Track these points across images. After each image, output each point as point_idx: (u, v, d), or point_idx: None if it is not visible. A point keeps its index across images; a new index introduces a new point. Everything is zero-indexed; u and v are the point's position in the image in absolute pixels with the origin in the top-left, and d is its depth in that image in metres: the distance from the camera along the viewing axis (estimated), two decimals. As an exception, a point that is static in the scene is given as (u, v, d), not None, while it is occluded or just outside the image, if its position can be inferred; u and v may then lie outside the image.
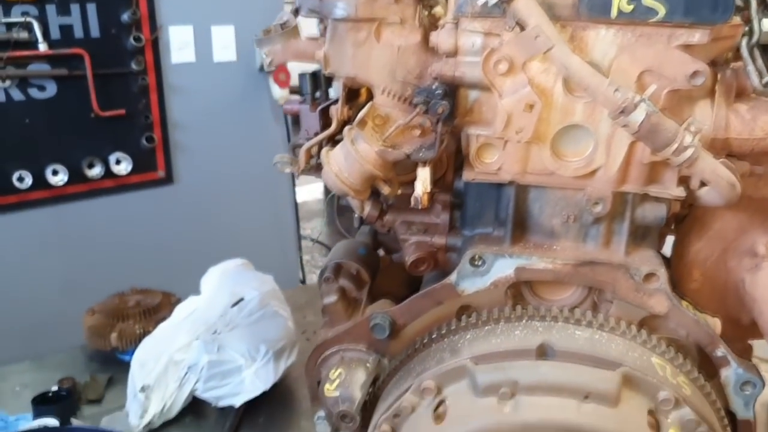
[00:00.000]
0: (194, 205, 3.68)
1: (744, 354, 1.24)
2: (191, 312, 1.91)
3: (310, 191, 6.35)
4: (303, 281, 4.13)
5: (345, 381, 1.15)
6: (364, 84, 1.10)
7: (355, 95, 1.22)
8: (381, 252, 1.43)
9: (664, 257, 1.22)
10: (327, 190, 6.76)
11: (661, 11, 0.91)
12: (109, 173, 3.41)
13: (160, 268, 3.12)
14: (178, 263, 3.23)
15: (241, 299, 1.91)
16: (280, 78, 3.67)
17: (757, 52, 0.97)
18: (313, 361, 1.22)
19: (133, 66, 3.40)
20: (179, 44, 3.59)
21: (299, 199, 4.08)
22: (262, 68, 3.72)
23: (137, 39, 3.29)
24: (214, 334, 1.81)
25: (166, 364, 1.74)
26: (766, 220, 1.17)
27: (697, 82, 0.95)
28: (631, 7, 0.92)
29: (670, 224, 1.24)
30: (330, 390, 1.16)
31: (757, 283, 1.16)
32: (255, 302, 1.90)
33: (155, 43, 3.47)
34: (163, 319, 1.94)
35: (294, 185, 4.03)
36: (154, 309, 2.06)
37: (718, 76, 1.01)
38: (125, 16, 3.23)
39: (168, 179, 3.67)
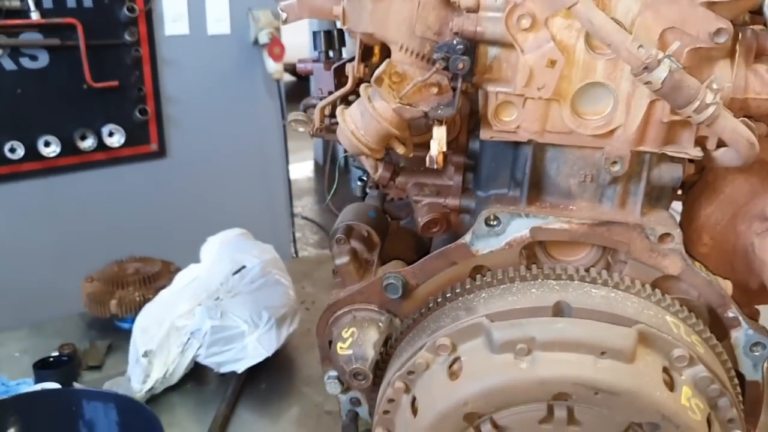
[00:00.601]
0: (187, 179, 3.66)
1: (753, 318, 1.26)
2: (192, 279, 1.90)
3: (300, 169, 6.32)
4: (296, 257, 4.13)
5: (358, 340, 1.15)
6: (382, 40, 1.08)
7: (369, 54, 1.21)
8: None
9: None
10: (317, 168, 6.72)
11: (687, -33, 0.91)
12: (101, 145, 3.37)
13: (153, 240, 3.10)
14: (170, 236, 3.21)
15: (243, 267, 1.90)
16: (274, 52, 3.64)
17: (782, 12, 0.97)
18: (325, 320, 1.22)
19: (127, 37, 3.35)
20: (173, 16, 3.54)
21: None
22: (256, 42, 3.69)
23: (131, 9, 3.24)
24: (217, 301, 1.80)
25: (168, 330, 1.73)
26: (777, 184, 1.18)
27: (720, 39, 0.95)
28: (657, -38, 0.91)
29: (677, 190, 1.25)
30: (343, 348, 1.16)
31: (766, 248, 1.17)
32: (257, 270, 1.89)
33: (149, 15, 3.43)
34: (163, 287, 1.93)
35: (287, 160, 4.02)
36: (154, 277, 2.04)
37: (739, 36, 1.01)
38: (118, -14, 3.19)
39: (161, 152, 3.64)
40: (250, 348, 1.74)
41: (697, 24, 0.95)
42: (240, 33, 3.67)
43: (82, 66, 3.18)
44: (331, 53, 1.26)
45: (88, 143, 3.32)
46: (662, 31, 0.96)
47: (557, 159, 1.09)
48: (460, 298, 1.11)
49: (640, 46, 0.93)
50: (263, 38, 3.63)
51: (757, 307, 1.28)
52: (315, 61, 1.25)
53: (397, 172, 1.24)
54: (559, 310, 1.02)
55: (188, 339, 1.73)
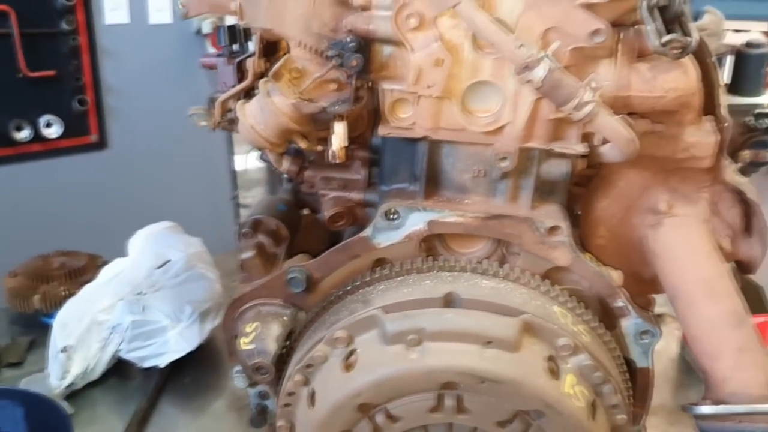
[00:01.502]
0: (128, 170, 3.61)
1: (646, 307, 1.31)
2: (116, 274, 1.89)
3: (250, 159, 6.27)
4: (240, 249, 4.10)
5: (260, 334, 1.16)
6: (280, 37, 1.10)
7: (274, 49, 1.22)
8: (306, 211, 1.45)
9: (574, 214, 1.28)
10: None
11: (564, -30, 0.94)
12: (38, 137, 3.31)
13: (93, 233, 3.06)
14: (111, 229, 3.15)
15: (167, 261, 1.90)
16: (217, 42, 3.61)
17: (656, 13, 1.01)
18: (230, 316, 1.23)
19: (64, 26, 3.29)
20: (113, 4, 3.49)
21: (239, 167, 4.04)
22: (198, 31, 3.65)
23: (68, -3, 3.19)
24: (139, 295, 1.79)
25: (89, 325, 1.72)
26: (667, 178, 1.22)
27: (598, 39, 0.98)
28: (536, -36, 0.94)
29: (581, 183, 1.29)
30: (246, 343, 1.17)
31: (658, 239, 1.22)
32: (181, 264, 1.89)
33: (87, 3, 3.37)
34: (89, 281, 1.91)
35: (232, 151, 3.99)
36: (79, 271, 2.02)
37: (621, 35, 1.05)
38: (54, -27, 3.13)
39: (101, 144, 3.59)
40: (173, 342, 1.74)
41: (576, 24, 0.98)
42: (182, 22, 3.64)
43: (16, 54, 3.11)
44: (235, 47, 1.27)
45: (24, 134, 3.26)
46: (544, 30, 0.99)
47: (452, 155, 1.12)
48: (358, 291, 1.13)
49: (521, 45, 0.96)
50: (206, 28, 3.60)
51: (652, 296, 1.33)
52: (218, 55, 1.25)
53: (305, 165, 1.26)
54: (449, 301, 1.05)
55: (109, 334, 1.72)
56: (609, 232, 1.27)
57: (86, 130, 3.50)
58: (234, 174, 4.04)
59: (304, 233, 1.37)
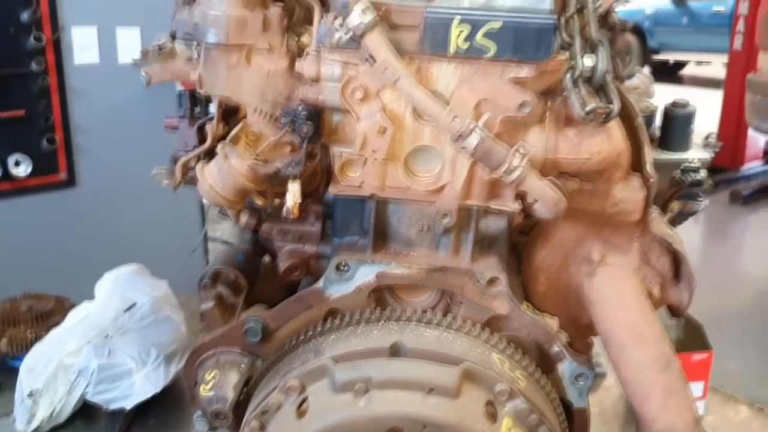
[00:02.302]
0: (98, 208, 3.63)
1: (585, 350, 1.40)
2: (84, 317, 1.93)
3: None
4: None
5: (219, 382, 1.22)
6: (237, 104, 1.18)
7: (233, 112, 1.30)
8: (267, 258, 1.51)
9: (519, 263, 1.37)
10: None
11: (493, 49, 1.04)
12: (6, 175, 3.33)
13: (61, 273, 3.08)
14: (79, 268, 3.18)
15: (134, 304, 1.95)
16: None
17: (580, 84, 1.11)
18: (191, 364, 1.29)
19: (34, 66, 3.33)
20: (82, 45, 3.54)
21: (208, 202, 4.07)
22: (168, 72, 3.71)
23: (38, 39, 3.23)
24: (106, 338, 1.84)
25: (55, 369, 1.76)
26: (600, 230, 1.32)
27: (524, 110, 1.08)
28: (467, 45, 1.04)
29: (526, 232, 1.39)
30: (205, 390, 1.23)
31: (593, 287, 1.31)
32: (147, 307, 1.94)
33: (57, 44, 3.42)
34: (56, 324, 1.95)
35: (201, 188, 4.03)
36: (47, 314, 2.06)
37: (549, 104, 1.15)
38: (25, 15, 3.18)
39: (70, 182, 3.61)
40: (138, 385, 1.79)
41: (505, 97, 1.08)
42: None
43: (-16, 95, 3.14)
44: (197, 110, 1.35)
45: (-7, 173, 3.27)
46: (477, 102, 1.08)
47: (398, 212, 1.20)
48: (311, 341, 1.20)
49: (455, 117, 1.05)
50: (175, 68, 3.66)
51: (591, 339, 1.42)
52: (181, 117, 1.33)
53: (263, 219, 1.33)
54: (395, 351, 1.12)
55: (76, 377, 1.76)
56: (549, 280, 1.36)
57: (55, 169, 3.52)
58: (202, 208, 4.08)
59: (264, 281, 1.43)
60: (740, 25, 5.95)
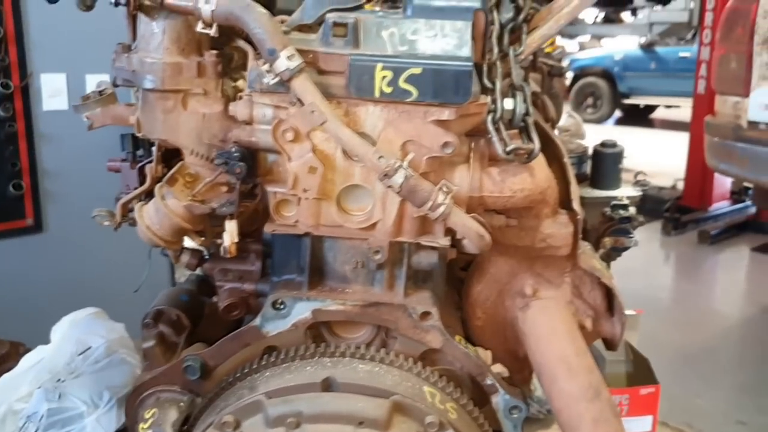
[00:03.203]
0: (64, 253, 3.63)
1: (524, 382, 1.43)
2: (37, 362, 1.92)
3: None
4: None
5: (158, 420, 1.24)
6: (175, 146, 1.22)
7: (175, 153, 1.34)
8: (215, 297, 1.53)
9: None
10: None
11: (415, 93, 1.10)
12: (-29, 221, 3.33)
13: (26, 318, 3.06)
14: (44, 313, 3.16)
15: (88, 348, 1.94)
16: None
17: (501, 126, 1.17)
18: (131, 403, 1.30)
19: (1, 113, 3.37)
20: (51, 91, 3.58)
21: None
22: (137, 118, 3.75)
23: (5, 86, 3.28)
24: (58, 383, 1.83)
25: (4, 414, 1.75)
26: (532, 264, 1.37)
27: (447, 151, 1.13)
28: (391, 89, 1.09)
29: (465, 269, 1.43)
30: (144, 428, 1.24)
31: (526, 320, 1.35)
32: (102, 350, 1.94)
33: (25, 90, 3.46)
34: (10, 369, 1.94)
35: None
36: (1, 359, 2.05)
37: (473, 144, 1.20)
38: (-7, 62, 3.23)
39: (37, 227, 3.61)
40: (90, 428, 1.77)
41: (429, 138, 1.13)
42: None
43: (-52, 142, 3.16)
44: (140, 152, 1.39)
45: (-43, 219, 3.27)
46: (403, 143, 1.13)
47: (333, 248, 1.24)
48: (247, 378, 1.22)
49: (381, 157, 1.10)
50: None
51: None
52: (123, 160, 1.37)
53: (204, 258, 1.36)
54: (327, 386, 1.14)
55: (24, 423, 1.75)
56: (485, 314, 1.40)
57: (21, 214, 3.53)
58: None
59: (208, 321, 1.46)
60: (703, 70, 6.15)
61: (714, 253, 5.76)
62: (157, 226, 1.19)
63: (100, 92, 1.25)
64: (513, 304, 1.38)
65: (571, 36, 11.83)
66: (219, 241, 1.27)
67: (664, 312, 4.46)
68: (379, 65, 1.08)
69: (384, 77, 1.09)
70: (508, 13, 1.27)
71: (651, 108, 11.61)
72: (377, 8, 1.18)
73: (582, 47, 12.40)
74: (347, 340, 1.28)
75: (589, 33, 11.44)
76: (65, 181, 3.65)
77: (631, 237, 1.47)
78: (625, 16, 9.96)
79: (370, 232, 1.20)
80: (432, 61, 1.09)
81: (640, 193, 1.49)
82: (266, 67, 1.08)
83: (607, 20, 10.09)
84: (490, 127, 1.16)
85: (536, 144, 1.18)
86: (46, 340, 2.16)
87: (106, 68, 3.93)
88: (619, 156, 1.49)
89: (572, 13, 1.26)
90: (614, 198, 1.46)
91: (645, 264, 5.16)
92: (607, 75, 10.82)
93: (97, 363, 1.92)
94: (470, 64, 1.09)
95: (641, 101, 11.16)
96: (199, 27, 1.09)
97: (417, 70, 1.09)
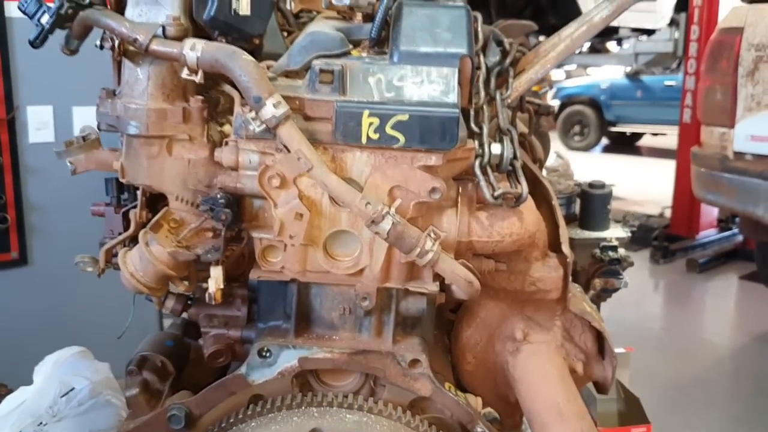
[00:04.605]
0: (49, 287, 3.58)
1: (515, 427, 1.41)
2: (19, 404, 1.88)
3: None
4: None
5: (141, 471, 1.20)
6: (159, 192, 1.20)
7: (160, 198, 1.32)
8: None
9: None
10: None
11: (402, 139, 1.09)
12: (-45, 255, 3.28)
13: (8, 356, 3.01)
14: (27, 351, 3.11)
15: (72, 389, 1.90)
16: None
17: (488, 170, 1.16)
18: (113, 453, 1.26)
19: (-14, 146, 3.34)
20: (38, 124, 3.56)
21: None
22: (125, 150, 3.73)
23: (-9, 119, 3.25)
24: (40, 426, 1.79)
25: (-17, 461, 1.70)
26: (522, 308, 1.35)
27: (435, 196, 1.12)
28: (377, 135, 1.09)
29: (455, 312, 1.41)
30: (127, 480, 1.20)
31: (517, 365, 1.33)
32: (86, 392, 1.90)
33: (11, 123, 3.44)
34: (-10, 412, 1.89)
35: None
36: (-19, 402, 2.00)
37: (461, 189, 1.19)
38: (-22, 96, 3.20)
39: (22, 261, 3.56)
40: (71, 475, 1.73)
41: (417, 183, 1.12)
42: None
43: (-67, 176, 3.12)
44: (125, 196, 1.37)
45: (-60, 254, 3.22)
46: (390, 188, 1.12)
47: (320, 294, 1.22)
48: (233, 428, 1.19)
49: (368, 203, 1.09)
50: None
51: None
52: (107, 204, 1.35)
53: (189, 304, 1.34)
54: (314, 437, 1.12)
55: (4, 469, 1.70)
56: (476, 359, 1.38)
57: (6, 248, 3.49)
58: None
59: (194, 365, 1.43)
60: (688, 99, 6.23)
61: (703, 281, 5.77)
62: (141, 273, 1.17)
63: (84, 137, 1.24)
64: (503, 349, 1.36)
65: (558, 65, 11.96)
66: (204, 285, 1.25)
67: (655, 342, 4.45)
68: (366, 112, 1.08)
69: (371, 124, 1.08)
70: (494, 57, 1.28)
71: (637, 136, 11.72)
72: (364, 54, 1.17)
73: (569, 75, 12.53)
74: (335, 388, 1.26)
75: (575, 63, 11.57)
76: (51, 214, 3.61)
77: (621, 278, 1.46)
78: (611, 45, 10.10)
79: (358, 278, 1.18)
80: (418, 108, 1.08)
81: (629, 234, 1.48)
82: (252, 114, 1.07)
83: (593, 50, 10.21)
84: (478, 171, 1.15)
85: (524, 188, 1.18)
86: (28, 380, 2.12)
87: (93, 101, 3.92)
88: (607, 197, 1.48)
89: (558, 57, 1.27)
90: (603, 239, 1.45)
91: (635, 293, 5.16)
92: (593, 103, 10.93)
93: (80, 405, 1.88)
94: (456, 110, 1.09)
95: (628, 129, 11.26)
96: (185, 74, 1.08)
97: (404, 117, 1.08)
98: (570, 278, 1.31)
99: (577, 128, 11.16)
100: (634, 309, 4.80)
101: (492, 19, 5.70)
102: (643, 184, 8.33)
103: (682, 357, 4.29)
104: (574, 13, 5.62)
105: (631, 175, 8.55)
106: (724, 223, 6.49)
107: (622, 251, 1.44)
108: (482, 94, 1.21)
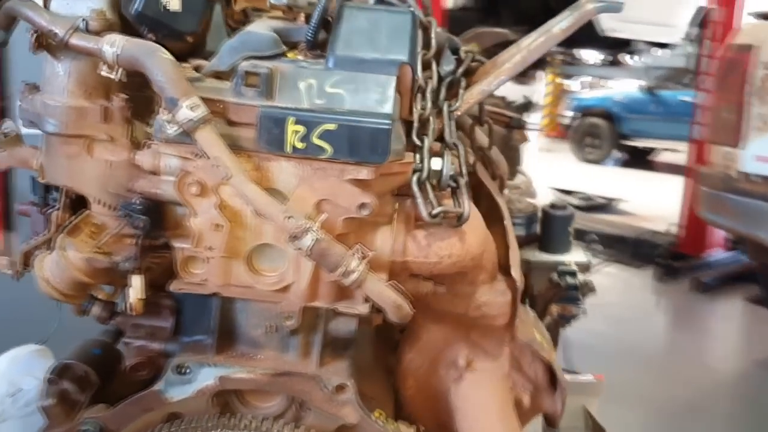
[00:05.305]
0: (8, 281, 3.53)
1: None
2: (-35, 402, 1.83)
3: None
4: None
5: (48, 487, 1.14)
6: (79, 193, 1.14)
7: (84, 201, 1.26)
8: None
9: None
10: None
11: (329, 150, 1.01)
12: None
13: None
14: None
15: (20, 390, 1.84)
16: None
17: (427, 186, 1.08)
18: (24, 466, 1.20)
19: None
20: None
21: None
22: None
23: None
24: (-19, 427, 1.73)
25: None
26: (468, 333, 1.27)
27: (364, 212, 1.04)
28: (303, 144, 1.01)
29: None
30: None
31: (458, 394, 1.26)
32: (34, 393, 1.84)
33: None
34: (-62, 408, 1.84)
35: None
36: (-71, 397, 1.95)
37: (398, 205, 1.12)
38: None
39: (5, 252, 3.52)
40: (8, 479, 1.67)
41: (346, 197, 1.04)
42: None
43: None
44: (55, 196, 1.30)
45: None
46: (317, 201, 1.05)
47: (245, 310, 1.15)
48: (144, 447, 1.12)
49: (290, 217, 1.01)
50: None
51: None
52: (33, 204, 1.29)
53: (116, 312, 1.27)
54: (223, 463, 1.05)
55: (-61, 470, 1.64)
56: (417, 384, 1.30)
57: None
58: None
59: (122, 377, 1.36)
60: (700, 116, 6.10)
61: (707, 302, 5.62)
62: (57, 279, 1.10)
63: (4, 134, 1.18)
64: (446, 375, 1.28)
65: (570, 76, 11.82)
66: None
67: (652, 364, 4.32)
68: (291, 119, 1.00)
69: (296, 132, 1.01)
70: (448, 66, 1.20)
71: (649, 151, 11.53)
72: (300, 57, 1.10)
73: (584, 86, 12.39)
74: (259, 410, 1.18)
75: (589, 74, 11.43)
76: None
77: (580, 306, 1.37)
78: (625, 58, 9.96)
79: (283, 295, 1.11)
80: (348, 117, 1.01)
81: (589, 260, 1.39)
82: (169, 116, 1.00)
83: (608, 63, 10.07)
84: (415, 187, 1.08)
85: (466, 207, 1.10)
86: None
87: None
88: (568, 219, 1.40)
89: (514, 68, 1.19)
90: (562, 263, 1.37)
91: (635, 311, 5.05)
92: (607, 116, 10.78)
93: (27, 407, 1.81)
94: (388, 121, 1.01)
95: (641, 144, 11.09)
96: (103, 70, 1.02)
97: (332, 126, 1.01)
98: (519, 303, 1.22)
99: (588, 140, 11.02)
100: (633, 328, 4.69)
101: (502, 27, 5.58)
102: (653, 200, 8.18)
103: (679, 381, 4.16)
104: (587, 23, 5.46)
105: (641, 190, 8.40)
106: (732, 243, 6.33)
107: (581, 277, 1.36)
108: (429, 104, 1.13)
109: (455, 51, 1.23)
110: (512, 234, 1.26)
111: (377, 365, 1.32)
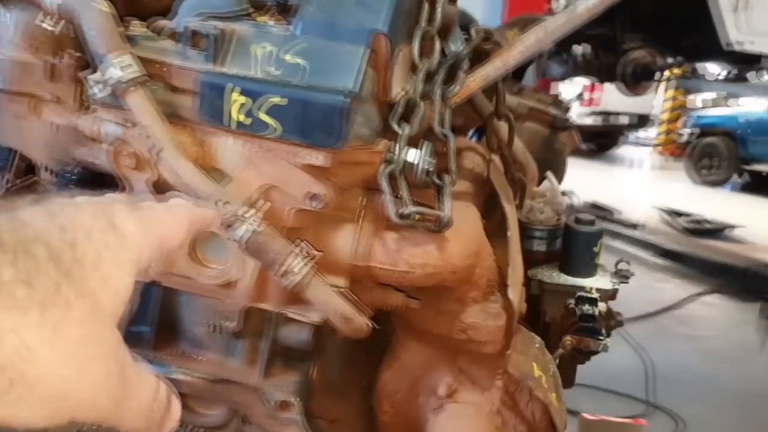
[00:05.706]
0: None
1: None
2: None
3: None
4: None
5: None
6: (29, 158, 1.05)
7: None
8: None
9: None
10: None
11: (278, 128, 0.86)
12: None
13: None
14: None
15: None
16: None
17: (400, 181, 0.91)
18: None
19: None
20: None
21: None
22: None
23: None
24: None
25: None
26: (454, 358, 1.08)
27: (313, 204, 0.88)
28: (249, 119, 0.86)
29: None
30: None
31: (436, 426, 1.07)
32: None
33: None
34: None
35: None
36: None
37: (365, 200, 0.95)
38: None
39: None
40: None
41: (296, 186, 0.89)
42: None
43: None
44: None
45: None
46: (265, 188, 0.90)
47: (189, 304, 1.02)
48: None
49: (226, 202, 0.87)
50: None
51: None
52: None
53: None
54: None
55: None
56: (393, 408, 1.13)
57: None
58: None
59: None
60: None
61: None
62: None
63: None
64: (426, 403, 1.10)
65: (694, 91, 11.02)
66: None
67: (745, 410, 3.87)
68: (233, 87, 0.86)
69: (241, 104, 0.86)
70: (455, 45, 1.02)
71: (771, 177, 10.53)
72: (270, 21, 0.95)
73: (706, 104, 11.53)
74: (199, 417, 1.05)
75: (711, 90, 10.59)
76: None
77: (601, 340, 1.14)
78: (750, 76, 9.12)
79: (227, 292, 0.97)
80: (298, 91, 0.85)
81: (616, 287, 1.16)
82: (98, 75, 0.88)
83: (733, 79, 9.26)
84: (383, 182, 0.90)
85: (446, 210, 0.91)
86: None
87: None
88: (594, 237, 1.17)
89: (525, 51, 0.98)
90: (580, 288, 1.14)
91: (735, 349, 4.55)
92: (730, 136, 9.96)
93: None
94: (346, 99, 0.84)
95: (766, 168, 10.16)
96: (39, 20, 0.91)
97: (280, 100, 0.85)
98: (514, 330, 1.02)
99: (706, 161, 10.24)
100: (730, 368, 4.21)
101: (616, 35, 5.20)
102: (773, 232, 7.44)
103: (748, 411, 3.70)
104: (711, 34, 4.96)
105: (760, 218, 7.67)
106: None
107: (602, 306, 1.13)
108: (419, 86, 0.95)
109: (465, 29, 1.05)
110: (516, 247, 1.05)
111: (352, 383, 1.15)
